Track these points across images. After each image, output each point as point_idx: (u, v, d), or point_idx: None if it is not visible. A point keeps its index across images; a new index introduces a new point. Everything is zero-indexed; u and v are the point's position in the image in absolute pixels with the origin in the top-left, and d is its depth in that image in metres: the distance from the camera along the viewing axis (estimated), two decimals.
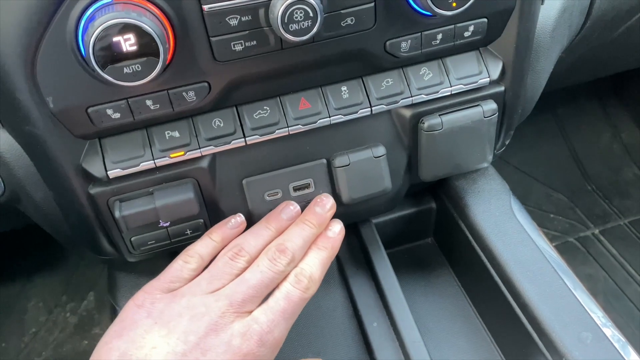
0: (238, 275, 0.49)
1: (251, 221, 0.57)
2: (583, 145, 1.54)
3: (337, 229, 0.54)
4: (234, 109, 0.53)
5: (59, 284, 1.29)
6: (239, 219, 0.55)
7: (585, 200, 1.44)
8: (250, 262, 0.50)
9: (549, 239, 1.37)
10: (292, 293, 0.49)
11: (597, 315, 0.57)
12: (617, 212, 1.41)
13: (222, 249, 0.52)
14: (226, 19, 0.45)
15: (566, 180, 1.49)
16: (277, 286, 0.49)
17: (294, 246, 0.50)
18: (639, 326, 1.18)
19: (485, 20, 0.53)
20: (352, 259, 0.68)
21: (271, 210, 0.56)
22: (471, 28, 0.53)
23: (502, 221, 0.65)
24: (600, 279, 1.28)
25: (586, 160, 1.52)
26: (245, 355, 0.45)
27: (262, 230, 0.53)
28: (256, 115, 0.53)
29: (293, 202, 0.56)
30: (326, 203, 0.55)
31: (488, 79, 0.57)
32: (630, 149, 1.53)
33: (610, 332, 0.55)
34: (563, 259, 0.64)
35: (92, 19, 0.41)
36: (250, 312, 0.47)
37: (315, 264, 0.51)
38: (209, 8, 0.44)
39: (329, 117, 0.54)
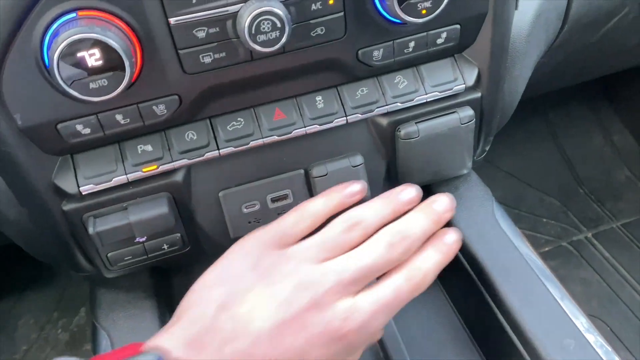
0: (350, 249, 0.45)
1: (231, 234, 0.57)
2: (574, 149, 1.54)
3: (455, 237, 0.49)
4: (208, 121, 0.52)
5: (50, 300, 1.28)
6: (359, 186, 0.50)
7: (578, 204, 1.44)
8: (364, 238, 0.46)
9: (542, 244, 1.38)
10: (403, 288, 0.45)
11: (581, 321, 0.56)
12: (609, 215, 1.40)
13: (335, 215, 0.48)
14: (193, 31, 0.45)
15: (558, 184, 1.48)
16: (386, 274, 0.45)
17: (415, 237, 0.46)
18: (634, 330, 1.17)
19: (458, 26, 0.53)
20: None
21: (249, 222, 0.56)
22: (444, 35, 0.53)
23: (485, 228, 0.64)
24: (594, 282, 1.28)
25: (578, 164, 1.52)
26: (340, 339, 0.43)
27: (381, 208, 0.48)
28: (230, 127, 0.52)
29: (413, 185, 0.50)
30: (446, 203, 0.49)
31: (463, 85, 0.56)
32: (621, 151, 1.53)
33: (594, 338, 0.54)
34: (550, 265, 0.64)
35: (56, 34, 0.41)
36: (355, 293, 0.44)
37: (432, 264, 0.46)
38: (176, 21, 0.44)
39: (304, 127, 0.54)
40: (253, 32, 0.43)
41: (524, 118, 1.57)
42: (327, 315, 0.43)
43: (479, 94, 0.58)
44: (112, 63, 0.41)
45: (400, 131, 0.57)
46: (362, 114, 0.55)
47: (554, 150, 1.55)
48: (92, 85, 0.42)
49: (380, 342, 0.58)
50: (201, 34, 0.45)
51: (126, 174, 0.51)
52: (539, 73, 0.78)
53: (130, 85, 0.45)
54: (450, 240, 0.48)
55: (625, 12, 0.72)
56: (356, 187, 0.50)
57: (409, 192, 0.49)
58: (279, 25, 0.44)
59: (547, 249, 1.36)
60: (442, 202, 0.49)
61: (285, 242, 0.46)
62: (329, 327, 0.42)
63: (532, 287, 0.59)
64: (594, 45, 0.81)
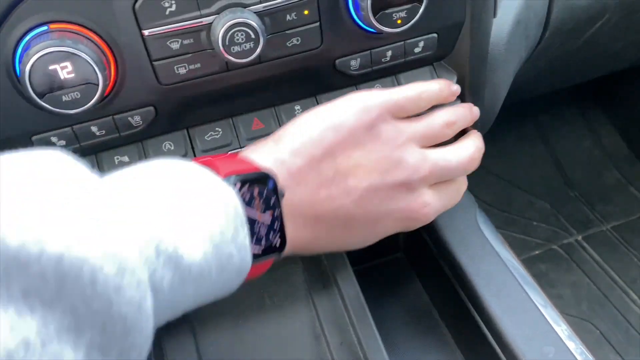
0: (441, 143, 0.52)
1: None
2: (565, 152, 1.55)
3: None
4: (185, 131, 0.52)
5: None
6: (459, 89, 0.55)
7: (568, 207, 1.44)
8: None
9: (533, 247, 1.38)
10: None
11: (562, 328, 0.56)
12: (599, 218, 1.41)
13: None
14: (167, 42, 0.45)
15: (548, 187, 1.49)
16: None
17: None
18: (623, 333, 1.17)
19: (435, 35, 0.53)
20: (319, 277, 0.67)
21: None
22: (421, 44, 0.53)
23: (467, 234, 0.64)
24: (584, 286, 1.28)
25: (568, 167, 1.52)
26: (413, 220, 0.51)
27: (467, 115, 0.55)
28: (208, 137, 0.52)
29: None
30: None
31: None
32: (611, 153, 1.53)
33: (574, 345, 0.54)
34: (541, 269, 0.64)
35: (27, 47, 0.41)
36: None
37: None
38: (149, 33, 0.44)
39: None
40: (227, 43, 0.43)
41: (514, 121, 1.57)
42: (413, 198, 0.49)
43: (458, 102, 0.58)
44: (85, 76, 0.41)
45: None
46: None
47: (544, 153, 1.56)
48: (64, 98, 0.42)
49: (360, 345, 0.58)
50: (175, 45, 0.45)
51: None
52: (524, 78, 0.79)
53: (104, 98, 0.45)
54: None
55: (606, 17, 0.72)
56: (458, 89, 0.55)
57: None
58: (253, 36, 0.44)
59: (537, 252, 1.36)
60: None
61: (399, 114, 0.50)
62: (410, 207, 0.49)
63: (513, 294, 0.59)
64: (577, 51, 0.81)
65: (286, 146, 0.45)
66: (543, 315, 0.57)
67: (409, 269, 0.74)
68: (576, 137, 1.57)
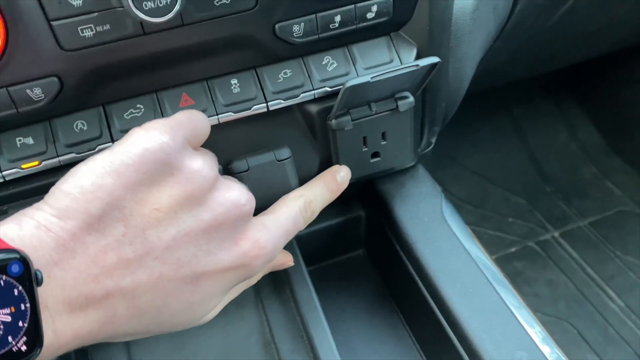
0: None
1: None
2: (540, 146, 1.50)
3: (344, 174, 0.52)
4: (101, 108, 0.45)
5: None
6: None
7: (544, 203, 1.40)
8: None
9: (508, 244, 1.33)
10: (299, 220, 0.45)
11: (536, 331, 0.50)
12: (576, 214, 1.36)
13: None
14: None
15: (524, 183, 1.44)
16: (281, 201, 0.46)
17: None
18: (600, 331, 1.12)
19: None
20: (270, 278, 0.60)
21: None
22: (374, 8, 0.46)
23: (432, 227, 0.58)
24: (561, 283, 1.23)
25: (544, 161, 1.48)
26: (243, 261, 0.39)
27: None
28: (127, 115, 0.45)
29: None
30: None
31: None
32: (587, 147, 1.49)
33: (549, 349, 0.48)
34: (517, 266, 0.58)
35: None
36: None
37: (322, 203, 0.49)
38: None
39: (217, 114, 0.47)
40: None
41: (487, 114, 1.52)
42: (236, 238, 0.40)
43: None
44: None
45: (331, 120, 0.50)
46: (285, 100, 0.48)
47: (520, 147, 1.51)
48: None
49: (313, 352, 0.52)
50: (77, 2, 0.38)
51: (1, 172, 0.43)
52: (496, 60, 0.73)
53: None
54: (340, 179, 0.52)
55: None
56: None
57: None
58: None
59: (513, 249, 1.31)
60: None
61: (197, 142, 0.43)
62: (236, 251, 0.39)
63: (482, 294, 0.52)
64: (551, 30, 0.75)
65: (53, 206, 0.34)
66: (515, 317, 0.50)
67: (370, 267, 0.67)
68: (551, 130, 1.53)
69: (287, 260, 0.53)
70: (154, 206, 0.35)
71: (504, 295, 0.53)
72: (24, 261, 0.30)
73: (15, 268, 0.30)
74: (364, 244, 0.69)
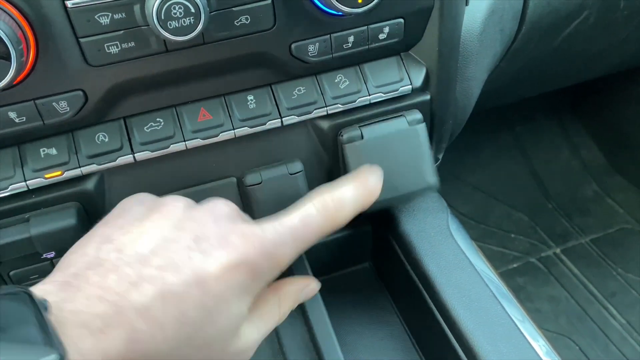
0: None
1: None
2: (542, 163, 1.52)
3: (375, 179, 0.47)
4: (122, 121, 0.47)
5: None
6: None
7: (546, 219, 1.41)
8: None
9: (511, 260, 1.34)
10: (313, 219, 0.42)
11: (540, 344, 0.51)
12: (577, 231, 1.37)
13: None
14: (95, 17, 0.39)
15: (526, 199, 1.45)
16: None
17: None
18: (602, 348, 1.13)
19: (402, 20, 0.48)
20: None
21: None
22: (386, 30, 0.48)
23: (438, 242, 0.59)
24: (563, 300, 1.24)
25: (546, 178, 1.50)
26: (242, 259, 0.38)
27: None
28: (147, 128, 0.47)
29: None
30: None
31: (410, 86, 0.52)
32: (589, 165, 1.51)
33: None
34: (509, 283, 0.59)
35: None
36: None
37: (350, 200, 0.44)
38: (73, 5, 0.38)
39: (233, 129, 0.49)
40: (162, 17, 0.38)
41: (491, 131, 1.54)
42: (225, 230, 0.40)
43: (427, 96, 0.53)
44: None
45: (342, 135, 0.52)
46: (298, 116, 0.50)
47: (522, 164, 1.53)
48: None
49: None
50: (104, 20, 0.39)
51: (25, 181, 0.44)
52: (500, 80, 0.75)
53: (22, 78, 0.39)
54: (372, 183, 0.47)
55: (584, 15, 0.69)
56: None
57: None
58: (192, 10, 0.38)
59: (515, 265, 1.32)
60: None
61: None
62: (228, 242, 0.39)
63: (488, 307, 0.53)
64: (555, 52, 0.77)
65: (59, 266, 0.38)
66: (520, 330, 0.52)
67: (376, 280, 0.69)
68: (554, 147, 1.54)
69: (308, 283, 0.51)
70: (139, 229, 0.38)
71: (508, 309, 0.54)
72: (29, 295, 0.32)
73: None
74: (371, 257, 0.70)
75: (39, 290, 0.34)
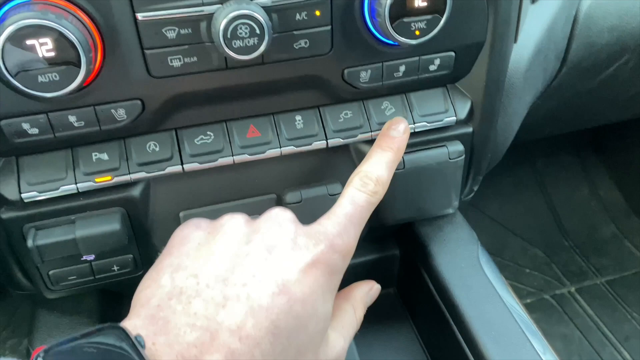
0: None
1: None
2: (561, 200, 1.51)
3: (402, 127, 0.49)
4: (173, 132, 0.48)
5: (0, 317, 1.19)
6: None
7: (562, 257, 1.40)
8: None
9: (524, 295, 1.33)
10: (358, 197, 0.44)
11: None
12: (593, 271, 1.36)
13: None
14: (163, 30, 0.40)
15: (543, 235, 1.45)
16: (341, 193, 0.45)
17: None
18: None
19: (453, 54, 0.49)
20: None
21: None
22: (437, 62, 0.49)
23: (468, 274, 0.59)
24: (575, 339, 1.23)
25: (564, 215, 1.49)
26: (315, 258, 0.39)
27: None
28: (197, 141, 0.48)
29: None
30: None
31: (454, 118, 0.53)
32: (607, 206, 1.50)
33: None
34: (532, 319, 0.59)
35: (4, 18, 0.36)
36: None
37: (381, 166, 0.46)
38: (144, 17, 0.40)
39: (280, 147, 0.49)
40: (229, 36, 0.39)
41: (511, 164, 1.54)
42: (291, 234, 0.40)
43: (470, 129, 0.54)
44: (67, 56, 0.37)
45: None
46: (344, 139, 0.51)
47: (541, 199, 1.52)
48: (41, 79, 0.37)
49: None
50: (171, 34, 0.41)
51: (76, 184, 0.45)
52: (532, 117, 0.75)
53: (86, 84, 0.40)
54: (396, 133, 0.48)
55: (624, 59, 0.69)
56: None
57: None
58: (257, 31, 0.39)
59: (528, 300, 1.31)
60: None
61: None
62: (297, 245, 0.40)
63: (516, 342, 0.53)
64: (591, 93, 0.78)
65: (136, 303, 0.38)
66: None
67: (400, 306, 0.69)
68: (573, 185, 1.54)
69: (372, 285, 0.53)
70: (208, 252, 0.38)
71: (536, 345, 0.54)
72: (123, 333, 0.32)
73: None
74: (396, 283, 0.70)
75: (129, 325, 0.34)
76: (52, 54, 0.37)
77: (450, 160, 0.53)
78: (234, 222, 0.41)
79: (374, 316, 0.68)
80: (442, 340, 0.59)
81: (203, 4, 0.40)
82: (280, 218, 0.41)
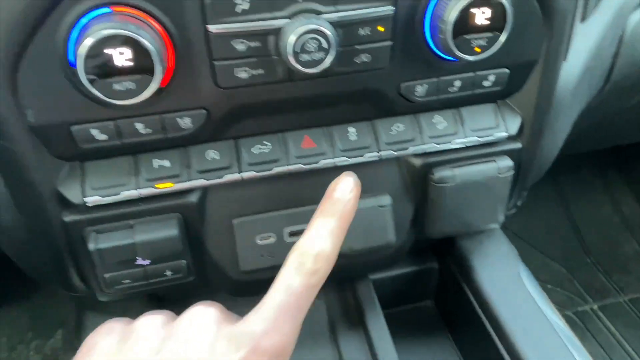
0: None
1: (241, 266, 0.52)
2: (583, 216, 1.51)
3: (348, 187, 0.41)
4: (232, 141, 0.49)
5: (25, 318, 1.20)
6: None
7: (584, 273, 1.40)
8: None
9: None
10: (293, 282, 0.37)
11: None
12: (616, 288, 1.36)
13: None
14: (232, 42, 0.41)
15: (565, 251, 1.44)
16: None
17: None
18: None
19: (507, 70, 0.50)
20: (345, 316, 0.62)
21: (262, 255, 0.52)
22: (492, 78, 0.50)
23: (510, 288, 0.60)
24: (599, 357, 1.22)
25: (586, 232, 1.49)
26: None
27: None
28: (255, 150, 0.49)
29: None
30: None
31: (505, 133, 0.53)
32: (630, 223, 1.50)
33: None
34: (574, 333, 0.59)
35: (86, 28, 0.37)
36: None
37: (322, 239, 0.39)
38: (215, 29, 0.41)
39: (334, 158, 0.50)
40: (298, 50, 0.40)
41: None
42: (210, 338, 0.36)
43: (519, 145, 0.55)
44: (142, 65, 0.38)
45: (434, 174, 0.53)
46: (395, 151, 0.51)
47: (562, 215, 1.52)
48: (116, 87, 0.38)
49: None
50: (240, 47, 0.42)
51: (137, 189, 0.46)
52: (572, 133, 0.75)
53: (157, 92, 0.41)
54: (340, 194, 0.41)
55: None
56: None
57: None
58: (325, 46, 0.40)
59: None
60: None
61: None
62: (214, 353, 0.35)
63: (560, 357, 0.54)
64: (626, 111, 0.78)
65: None
66: None
67: (437, 319, 0.69)
68: (595, 201, 1.54)
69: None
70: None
71: (577, 358, 0.54)
72: None
73: None
74: (433, 296, 0.71)
75: None
76: (130, 63, 0.38)
77: (499, 176, 0.54)
78: (149, 327, 0.37)
79: (413, 328, 0.68)
80: (483, 355, 0.59)
81: (274, 18, 0.41)
82: (200, 319, 0.36)
